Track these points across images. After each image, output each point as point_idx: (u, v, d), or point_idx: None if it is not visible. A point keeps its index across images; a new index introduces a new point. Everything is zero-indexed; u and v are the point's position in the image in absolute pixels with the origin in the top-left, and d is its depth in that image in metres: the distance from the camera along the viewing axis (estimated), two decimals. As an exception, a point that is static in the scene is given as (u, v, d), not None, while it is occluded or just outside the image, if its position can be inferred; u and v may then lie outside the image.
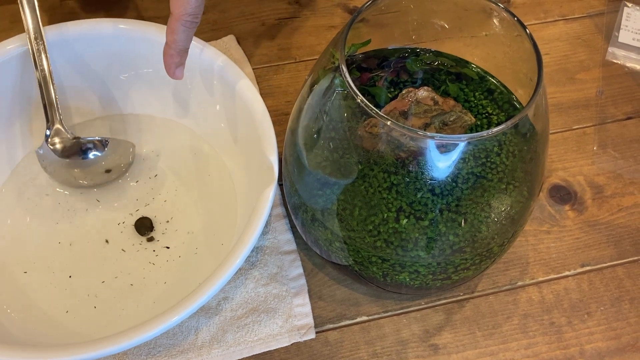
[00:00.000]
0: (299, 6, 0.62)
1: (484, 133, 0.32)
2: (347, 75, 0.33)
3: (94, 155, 0.47)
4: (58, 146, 0.47)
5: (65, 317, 0.44)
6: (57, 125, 0.46)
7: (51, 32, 0.47)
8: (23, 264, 0.46)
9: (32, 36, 0.45)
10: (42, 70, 0.45)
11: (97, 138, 0.48)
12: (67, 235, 0.47)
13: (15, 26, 0.59)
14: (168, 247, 0.47)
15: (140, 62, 0.49)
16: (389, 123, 0.32)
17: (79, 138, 0.47)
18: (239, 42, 0.59)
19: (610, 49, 0.59)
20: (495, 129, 0.32)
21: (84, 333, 0.43)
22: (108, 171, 0.48)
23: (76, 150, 0.47)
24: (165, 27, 0.47)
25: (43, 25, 0.46)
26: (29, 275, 0.45)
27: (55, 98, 0.46)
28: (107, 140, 0.48)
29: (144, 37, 0.48)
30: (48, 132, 0.46)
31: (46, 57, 0.45)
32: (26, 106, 0.49)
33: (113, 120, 0.52)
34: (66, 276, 0.45)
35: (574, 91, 0.57)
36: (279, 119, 0.54)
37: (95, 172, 0.48)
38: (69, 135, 0.47)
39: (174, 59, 0.43)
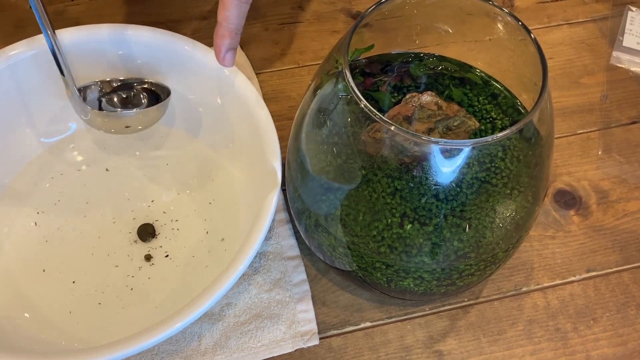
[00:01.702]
0: (302, 11, 0.62)
1: (489, 138, 0.32)
2: (350, 80, 0.33)
3: (131, 106, 0.48)
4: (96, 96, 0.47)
5: (68, 321, 0.43)
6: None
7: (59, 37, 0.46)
8: (31, 268, 0.45)
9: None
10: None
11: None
12: (70, 242, 0.47)
13: (19, 31, 0.59)
14: (170, 253, 0.47)
15: (145, 68, 0.49)
16: (392, 128, 0.32)
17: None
18: (242, 47, 0.59)
19: (614, 53, 0.59)
20: (499, 134, 0.32)
21: (86, 339, 0.43)
22: (126, 128, 0.48)
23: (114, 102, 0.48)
24: (176, 34, 0.47)
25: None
26: (34, 279, 0.45)
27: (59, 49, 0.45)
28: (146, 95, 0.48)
29: (151, 43, 0.47)
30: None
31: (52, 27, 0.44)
32: (33, 109, 0.49)
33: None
34: (70, 281, 0.45)
35: (578, 95, 0.57)
36: (282, 124, 0.54)
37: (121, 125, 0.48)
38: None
39: (225, 40, 0.40)
